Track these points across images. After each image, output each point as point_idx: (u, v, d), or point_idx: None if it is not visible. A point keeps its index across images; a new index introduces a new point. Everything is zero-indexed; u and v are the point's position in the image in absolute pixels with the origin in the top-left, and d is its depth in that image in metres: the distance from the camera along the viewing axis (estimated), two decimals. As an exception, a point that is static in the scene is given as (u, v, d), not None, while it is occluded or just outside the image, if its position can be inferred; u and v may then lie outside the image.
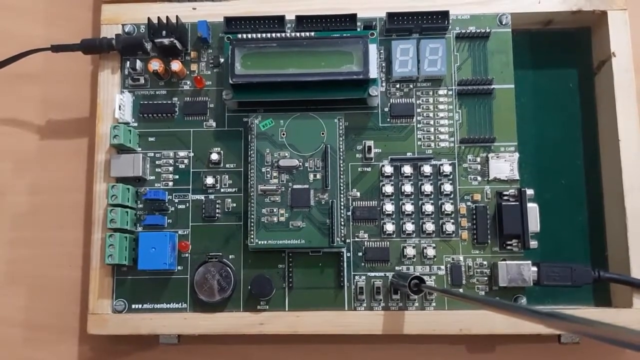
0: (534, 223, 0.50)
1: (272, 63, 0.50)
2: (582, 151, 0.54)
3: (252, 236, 0.49)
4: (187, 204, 0.52)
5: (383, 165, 0.51)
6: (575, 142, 0.54)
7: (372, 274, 0.51)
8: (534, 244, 0.49)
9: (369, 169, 0.52)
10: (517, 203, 0.50)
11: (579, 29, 0.55)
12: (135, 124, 0.53)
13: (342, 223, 0.49)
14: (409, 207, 0.51)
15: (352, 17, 0.51)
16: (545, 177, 0.54)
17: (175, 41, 0.52)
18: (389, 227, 0.50)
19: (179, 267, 0.51)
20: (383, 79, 0.53)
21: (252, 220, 0.50)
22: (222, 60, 0.53)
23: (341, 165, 0.50)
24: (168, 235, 0.50)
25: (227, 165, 0.52)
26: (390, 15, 0.52)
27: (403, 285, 0.47)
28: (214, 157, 0.52)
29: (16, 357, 0.54)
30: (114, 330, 0.50)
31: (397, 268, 0.50)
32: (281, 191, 0.50)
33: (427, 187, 0.51)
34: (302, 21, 0.52)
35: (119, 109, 0.52)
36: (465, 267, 0.50)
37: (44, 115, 0.57)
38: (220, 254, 0.51)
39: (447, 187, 0.51)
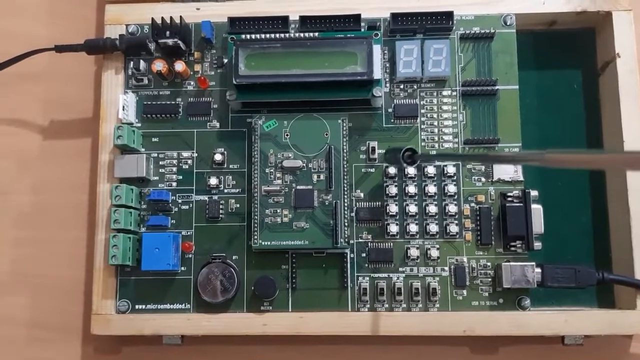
0: (538, 224, 0.49)
1: (276, 63, 0.50)
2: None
3: (256, 237, 0.49)
4: (191, 205, 0.52)
5: (387, 166, 0.51)
6: (579, 143, 0.54)
7: (376, 275, 0.51)
8: (538, 245, 0.49)
9: (372, 170, 0.52)
10: (521, 204, 0.50)
11: (583, 29, 0.55)
12: (139, 125, 0.53)
13: (346, 224, 0.49)
14: (412, 208, 0.51)
15: (356, 18, 0.51)
16: (550, 178, 0.54)
17: (179, 42, 0.52)
18: (393, 228, 0.50)
19: (183, 268, 0.51)
20: (387, 79, 0.52)
21: (256, 221, 0.50)
22: (225, 60, 0.53)
23: (345, 166, 0.50)
24: (171, 235, 0.50)
25: (231, 166, 0.52)
26: (395, 16, 0.52)
27: (396, 159, 0.46)
28: (218, 157, 0.52)
29: (20, 356, 0.54)
30: (118, 331, 0.50)
31: (400, 269, 0.50)
32: (285, 192, 0.50)
33: (431, 188, 0.51)
34: (306, 21, 0.52)
35: (123, 110, 0.52)
36: (469, 268, 0.50)
37: (48, 115, 0.57)
38: (224, 254, 0.51)
39: (451, 188, 0.51)
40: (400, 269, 0.51)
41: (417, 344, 0.52)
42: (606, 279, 0.49)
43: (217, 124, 0.53)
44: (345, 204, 0.50)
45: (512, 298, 0.50)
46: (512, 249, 0.50)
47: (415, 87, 0.52)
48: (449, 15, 0.51)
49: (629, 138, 0.51)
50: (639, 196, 0.50)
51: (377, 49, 0.50)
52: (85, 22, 0.58)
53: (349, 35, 0.50)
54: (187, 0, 0.54)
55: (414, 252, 0.50)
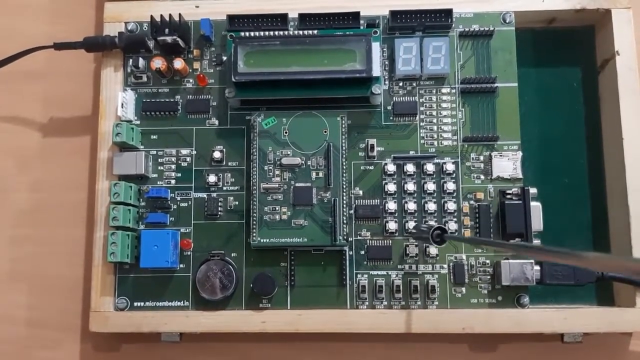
0: (537, 222, 0.49)
1: (275, 61, 0.50)
2: (586, 150, 0.54)
3: (254, 234, 0.49)
4: (190, 202, 0.52)
5: (386, 164, 0.51)
6: (578, 141, 0.54)
7: (375, 272, 0.51)
8: (537, 242, 0.49)
9: (371, 167, 0.52)
10: (520, 202, 0.50)
11: (582, 27, 0.55)
12: (138, 122, 0.53)
13: (345, 221, 0.49)
14: (411, 206, 0.51)
15: (355, 15, 0.51)
16: (549, 175, 0.54)
17: (178, 39, 0.52)
18: (392, 225, 0.50)
19: (181, 265, 0.51)
20: (386, 77, 0.52)
21: (255, 218, 0.50)
22: (224, 58, 0.53)
23: (344, 163, 0.50)
24: (170, 233, 0.50)
25: (230, 163, 0.52)
26: (394, 13, 0.52)
27: (425, 237, 0.45)
28: (217, 155, 0.52)
29: (18, 354, 0.54)
30: (116, 328, 0.50)
31: (399, 266, 0.50)
32: (283, 189, 0.50)
33: (430, 186, 0.51)
34: (305, 19, 0.52)
35: (122, 107, 0.52)
36: (468, 265, 0.50)
37: (47, 113, 0.57)
38: (223, 252, 0.51)
39: (450, 186, 0.51)
40: (399, 267, 0.50)
41: (416, 342, 0.52)
42: (605, 277, 0.49)
43: (216, 122, 0.53)
44: (344, 202, 0.50)
45: (511, 295, 0.50)
46: (511, 246, 0.50)
47: (414, 84, 0.52)
48: (448, 12, 0.51)
49: (628, 136, 0.50)
50: (639, 194, 0.50)
51: (376, 47, 0.50)
52: (84, 20, 0.58)
53: (348, 33, 0.50)
54: (186, -2, 0.54)
55: (412, 250, 0.50)
